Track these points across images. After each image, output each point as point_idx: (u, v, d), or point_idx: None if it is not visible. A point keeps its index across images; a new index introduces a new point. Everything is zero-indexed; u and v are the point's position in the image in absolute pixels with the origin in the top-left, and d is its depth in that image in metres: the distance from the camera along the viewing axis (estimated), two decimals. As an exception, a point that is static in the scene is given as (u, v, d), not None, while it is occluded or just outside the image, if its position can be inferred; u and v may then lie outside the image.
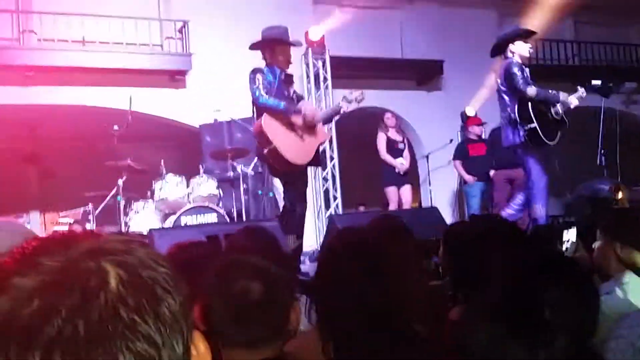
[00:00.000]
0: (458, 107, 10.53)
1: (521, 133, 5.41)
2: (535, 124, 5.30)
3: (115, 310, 0.57)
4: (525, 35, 5.73)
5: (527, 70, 5.58)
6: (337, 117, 5.39)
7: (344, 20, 10.76)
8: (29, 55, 8.76)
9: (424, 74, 11.41)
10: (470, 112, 9.73)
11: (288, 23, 9.91)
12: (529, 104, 5.38)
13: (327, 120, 5.18)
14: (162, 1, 10.03)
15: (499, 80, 5.65)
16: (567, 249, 3.74)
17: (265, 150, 4.67)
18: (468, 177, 8.52)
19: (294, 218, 4.84)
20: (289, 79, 5.05)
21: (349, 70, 10.15)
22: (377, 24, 11.40)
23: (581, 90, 5.57)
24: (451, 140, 9.55)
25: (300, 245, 4.92)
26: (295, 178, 4.91)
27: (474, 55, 11.65)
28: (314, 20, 10.14)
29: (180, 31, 9.75)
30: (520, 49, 5.58)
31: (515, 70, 5.42)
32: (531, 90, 5.38)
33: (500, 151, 7.86)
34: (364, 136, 8.59)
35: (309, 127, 4.83)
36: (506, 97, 5.56)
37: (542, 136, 5.30)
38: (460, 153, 8.73)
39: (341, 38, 10.25)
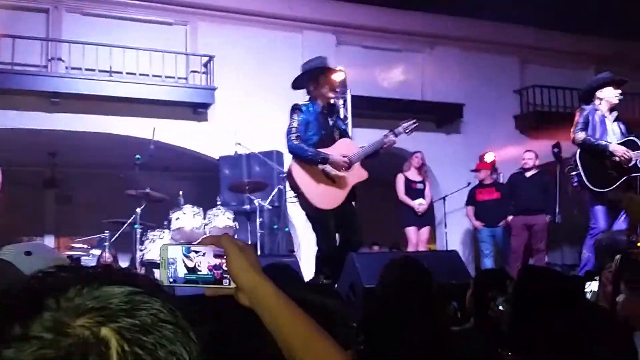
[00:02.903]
0: (477, 150, 10.54)
1: (574, 178, 5.46)
2: (579, 170, 5.32)
3: None
4: (617, 82, 5.65)
5: (611, 115, 5.51)
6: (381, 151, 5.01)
7: (366, 60, 10.91)
8: (55, 82, 8.95)
9: (443, 117, 11.47)
10: (489, 157, 9.72)
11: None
12: (578, 150, 5.41)
13: (368, 157, 4.90)
14: (189, 36, 10.26)
15: None
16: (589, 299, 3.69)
17: (294, 195, 4.67)
18: (476, 223, 8.56)
19: (322, 258, 4.75)
20: (332, 110, 4.96)
21: (369, 110, 10.24)
22: (398, 65, 11.53)
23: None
24: (469, 184, 9.53)
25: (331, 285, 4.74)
26: (326, 219, 4.73)
27: (494, 100, 11.76)
28: (337, 60, 10.27)
29: (206, 65, 9.93)
30: (607, 95, 5.53)
31: (578, 117, 5.45)
32: (578, 136, 5.37)
33: (519, 197, 7.85)
34: (379, 175, 8.58)
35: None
36: None
37: (588, 183, 5.29)
38: (470, 198, 8.76)
39: (363, 78, 10.37)
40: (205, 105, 9.77)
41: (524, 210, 7.78)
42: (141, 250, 6.77)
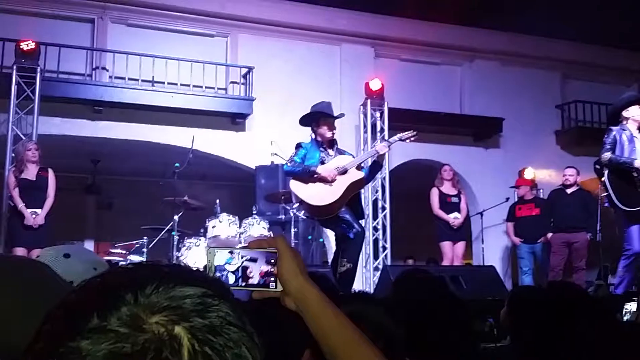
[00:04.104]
0: (516, 165, 10.39)
1: (605, 199, 5.48)
2: (610, 191, 5.31)
3: None
4: None
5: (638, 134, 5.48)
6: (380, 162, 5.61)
7: (404, 73, 10.89)
8: (99, 90, 9.15)
9: (482, 131, 11.33)
10: (529, 173, 9.58)
11: (350, 74, 10.19)
12: (607, 170, 5.39)
13: (373, 171, 5.55)
14: (229, 48, 10.41)
15: None
16: (627, 319, 3.61)
17: (299, 205, 5.23)
18: (514, 239, 8.50)
19: (348, 243, 5.25)
20: (332, 142, 5.55)
21: (406, 122, 10.16)
22: (437, 78, 11.48)
23: None
24: (507, 199, 9.41)
25: (350, 270, 5.18)
26: (334, 214, 5.28)
27: (535, 114, 11.58)
28: (375, 73, 10.30)
29: (245, 76, 10.05)
30: (633, 114, 5.53)
31: (605, 137, 5.48)
32: (604, 157, 5.38)
33: (560, 214, 7.70)
34: (418, 188, 8.55)
35: (340, 174, 5.28)
36: None
37: (618, 203, 5.26)
38: (510, 214, 8.66)
39: (400, 91, 10.35)
40: (244, 116, 9.88)
41: (565, 228, 7.64)
42: (178, 257, 6.87)
